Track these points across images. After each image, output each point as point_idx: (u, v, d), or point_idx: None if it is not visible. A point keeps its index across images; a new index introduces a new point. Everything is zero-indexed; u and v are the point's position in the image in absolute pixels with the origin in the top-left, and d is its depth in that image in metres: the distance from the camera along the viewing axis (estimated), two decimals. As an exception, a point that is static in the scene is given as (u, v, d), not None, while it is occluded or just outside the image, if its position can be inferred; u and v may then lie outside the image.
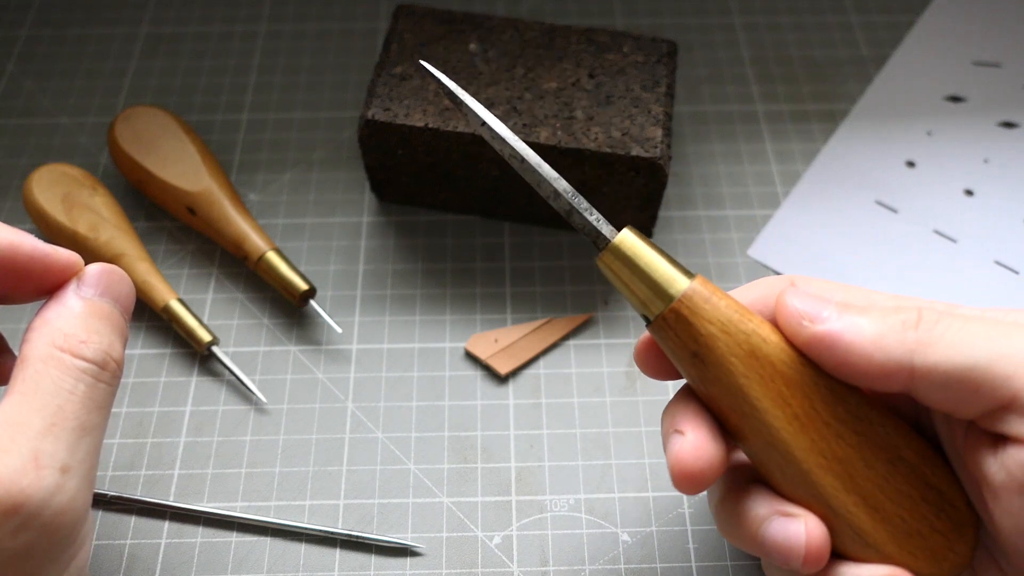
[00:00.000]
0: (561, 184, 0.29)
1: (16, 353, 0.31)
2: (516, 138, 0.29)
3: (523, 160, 0.29)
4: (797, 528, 0.26)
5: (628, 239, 0.28)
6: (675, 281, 0.27)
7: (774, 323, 0.27)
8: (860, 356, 0.25)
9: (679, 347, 0.27)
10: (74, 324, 0.27)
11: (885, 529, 0.26)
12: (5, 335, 0.32)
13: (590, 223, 0.28)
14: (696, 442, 0.27)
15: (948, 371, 0.24)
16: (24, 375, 0.25)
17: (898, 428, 0.27)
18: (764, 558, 0.27)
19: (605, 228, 0.28)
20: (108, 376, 0.27)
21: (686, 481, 0.26)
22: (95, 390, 0.26)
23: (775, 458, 0.27)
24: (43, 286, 0.28)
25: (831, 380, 0.26)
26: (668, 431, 0.28)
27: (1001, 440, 0.25)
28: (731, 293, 0.29)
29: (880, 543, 0.26)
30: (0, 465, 0.23)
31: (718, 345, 0.27)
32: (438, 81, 0.30)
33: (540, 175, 0.29)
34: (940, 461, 0.27)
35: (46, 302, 0.28)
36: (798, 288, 0.27)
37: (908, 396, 0.26)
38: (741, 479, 0.29)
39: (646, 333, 0.29)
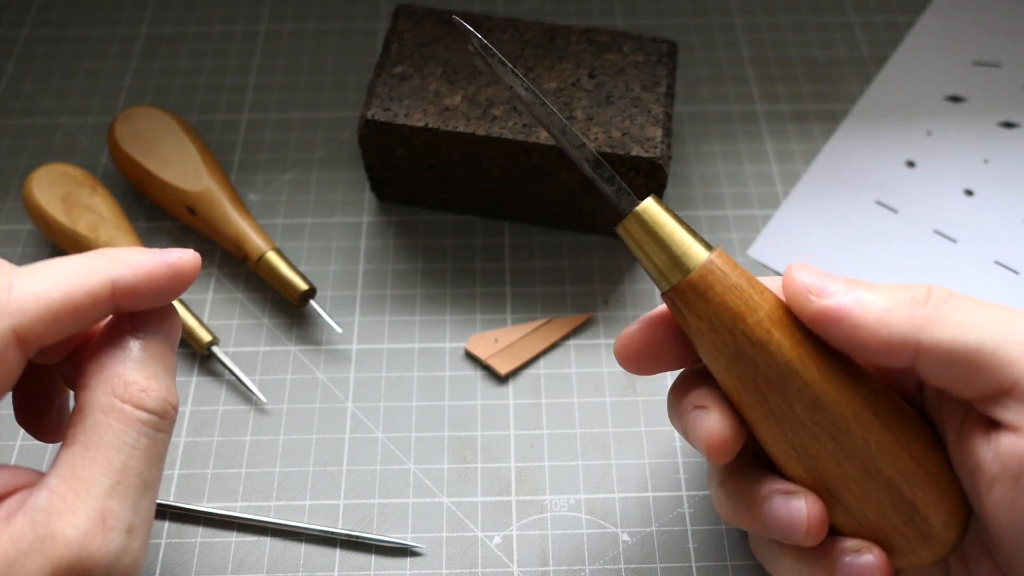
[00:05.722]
0: (585, 151, 0.29)
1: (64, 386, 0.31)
2: (544, 104, 0.29)
3: (549, 127, 0.29)
4: (799, 505, 0.27)
5: (649, 210, 0.28)
6: (687, 259, 0.27)
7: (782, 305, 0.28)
8: (867, 330, 0.25)
9: (680, 323, 0.28)
10: (133, 370, 0.26)
11: (846, 518, 0.27)
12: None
13: (610, 193, 0.28)
14: (721, 416, 0.28)
15: (953, 349, 0.24)
16: (84, 426, 0.25)
17: (882, 444, 0.26)
18: (765, 535, 0.28)
19: (625, 198, 0.28)
20: (167, 425, 0.26)
21: (719, 452, 0.28)
22: (156, 442, 0.26)
23: (755, 436, 0.28)
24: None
25: (818, 391, 0.26)
26: (686, 408, 0.29)
27: (996, 427, 0.25)
28: None
29: (840, 527, 0.27)
30: (69, 527, 0.23)
31: (704, 341, 0.27)
32: (470, 37, 0.29)
33: (563, 142, 0.29)
34: (924, 479, 0.26)
35: (97, 341, 0.27)
36: (804, 264, 0.27)
37: (914, 378, 0.27)
38: (738, 461, 0.30)
39: (635, 324, 0.30)
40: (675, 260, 0.27)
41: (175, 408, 0.27)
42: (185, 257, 0.27)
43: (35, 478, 0.25)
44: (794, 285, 0.26)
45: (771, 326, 0.27)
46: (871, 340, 0.25)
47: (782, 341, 0.26)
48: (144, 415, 0.25)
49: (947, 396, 0.27)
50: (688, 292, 0.27)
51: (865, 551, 0.27)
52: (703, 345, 0.27)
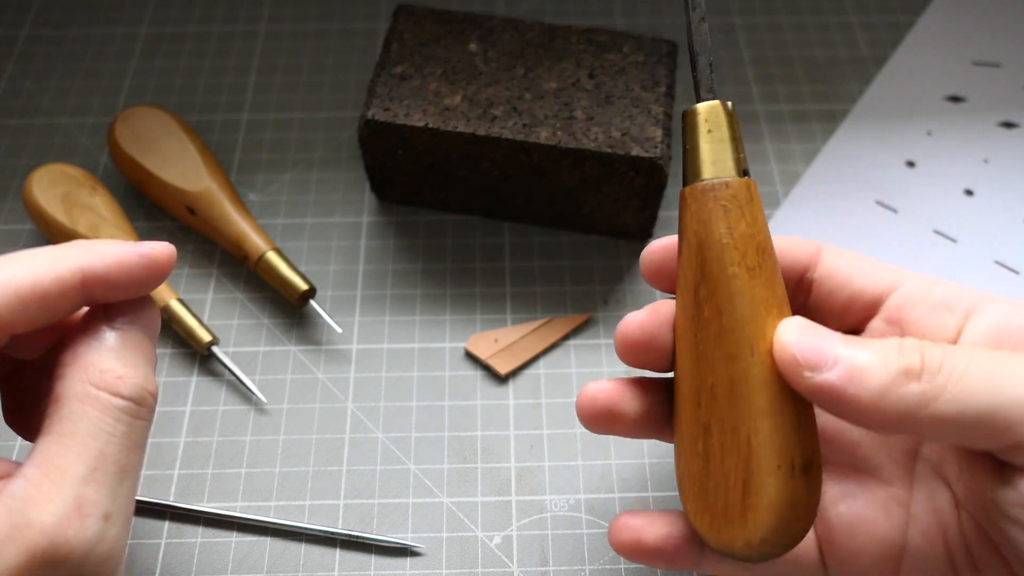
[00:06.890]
0: (697, 27, 0.31)
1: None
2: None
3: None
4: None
5: (711, 111, 0.29)
6: (713, 171, 0.28)
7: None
8: (863, 411, 0.24)
9: (682, 223, 0.28)
10: (109, 358, 0.26)
11: (705, 463, 0.27)
12: None
13: (695, 77, 0.30)
14: (648, 315, 0.28)
15: (954, 422, 0.24)
16: (60, 415, 0.25)
17: (769, 428, 0.26)
18: None
19: (703, 93, 0.30)
20: (145, 412, 0.26)
21: (625, 341, 0.29)
22: (134, 429, 0.25)
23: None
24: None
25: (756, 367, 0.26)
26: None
27: (1015, 471, 0.24)
28: None
29: (697, 469, 0.27)
30: (45, 514, 0.23)
31: (690, 246, 0.28)
32: None
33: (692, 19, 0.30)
34: (774, 467, 0.26)
35: (73, 332, 0.27)
36: (797, 324, 0.26)
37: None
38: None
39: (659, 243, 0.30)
40: (705, 169, 0.28)
41: (153, 396, 0.27)
42: (158, 248, 0.27)
43: (12, 468, 0.25)
44: (785, 355, 0.25)
45: (746, 272, 0.26)
46: (867, 420, 0.24)
47: (747, 284, 0.26)
48: (120, 402, 0.25)
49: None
50: (708, 195, 0.27)
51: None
52: (685, 249, 0.28)
